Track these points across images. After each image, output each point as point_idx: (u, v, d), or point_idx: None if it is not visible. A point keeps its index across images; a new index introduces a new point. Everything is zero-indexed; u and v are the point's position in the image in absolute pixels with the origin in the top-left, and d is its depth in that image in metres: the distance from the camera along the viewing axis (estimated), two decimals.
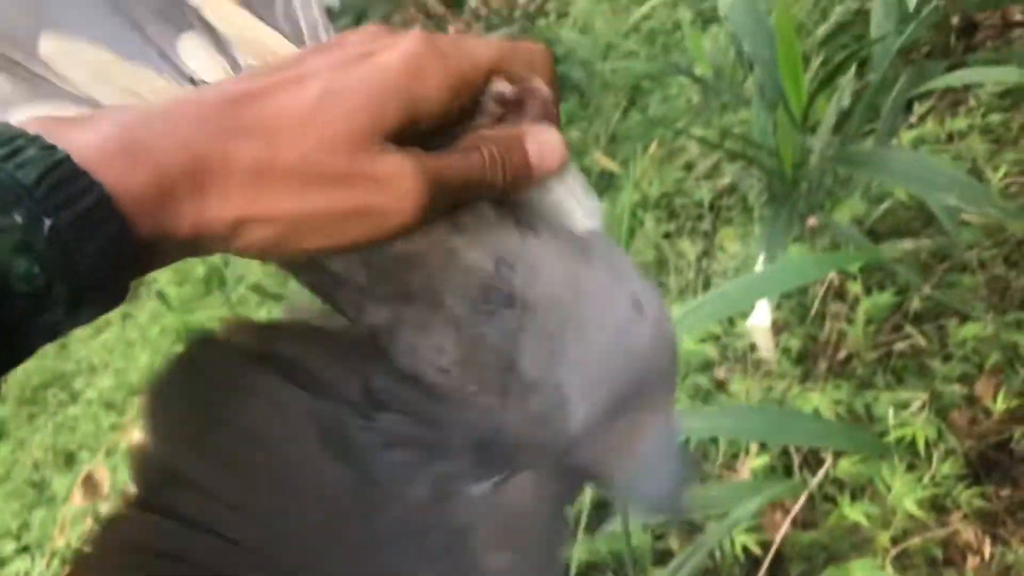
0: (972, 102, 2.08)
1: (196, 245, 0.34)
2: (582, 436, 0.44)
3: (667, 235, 2.15)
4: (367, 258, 0.42)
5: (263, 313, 2.48)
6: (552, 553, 0.45)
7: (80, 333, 3.45)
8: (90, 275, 0.30)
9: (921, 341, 1.58)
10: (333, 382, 0.43)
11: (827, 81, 1.51)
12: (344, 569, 0.42)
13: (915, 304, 1.64)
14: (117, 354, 3.18)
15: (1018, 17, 2.45)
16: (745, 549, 1.34)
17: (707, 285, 1.90)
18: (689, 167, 2.29)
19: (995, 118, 1.98)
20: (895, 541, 1.32)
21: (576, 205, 0.43)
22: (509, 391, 0.43)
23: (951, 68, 2.22)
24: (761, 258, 1.44)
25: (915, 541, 1.32)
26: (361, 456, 0.42)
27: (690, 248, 1.99)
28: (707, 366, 1.72)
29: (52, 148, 0.30)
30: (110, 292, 0.32)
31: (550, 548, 0.45)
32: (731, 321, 1.73)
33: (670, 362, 0.48)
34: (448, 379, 0.43)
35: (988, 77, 1.77)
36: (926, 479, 1.33)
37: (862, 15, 2.11)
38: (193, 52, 0.44)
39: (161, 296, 2.06)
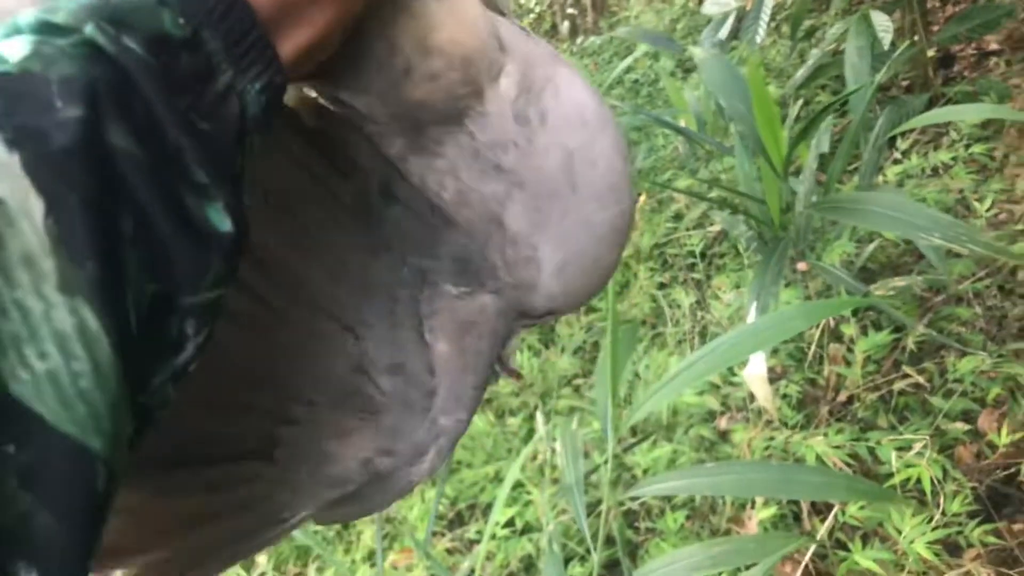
0: (954, 135, 2.10)
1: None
2: (544, 290, 0.50)
3: (661, 286, 2.16)
4: (385, 98, 0.46)
5: None
6: (482, 367, 0.51)
7: None
8: (234, 33, 0.34)
9: (920, 379, 1.57)
10: (361, 167, 0.49)
11: (807, 128, 1.52)
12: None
13: (912, 341, 1.63)
14: None
15: (993, 47, 2.48)
16: None
17: (703, 334, 1.90)
18: (679, 217, 2.31)
19: (978, 149, 2.00)
20: None
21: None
22: (492, 236, 0.49)
23: (932, 101, 2.25)
24: (753, 307, 1.44)
25: None
26: (367, 223, 0.49)
27: (685, 298, 2.00)
28: (709, 417, 1.72)
29: None
30: (265, 66, 0.36)
31: (483, 364, 0.51)
32: (730, 369, 1.72)
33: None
34: (445, 206, 0.48)
35: (963, 115, 1.79)
36: (936, 519, 1.32)
37: (839, 56, 2.14)
38: None
39: None
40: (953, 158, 1.98)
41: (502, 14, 0.51)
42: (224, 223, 0.33)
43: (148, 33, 0.32)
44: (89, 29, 0.30)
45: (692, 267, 2.15)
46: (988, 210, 1.87)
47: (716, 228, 2.20)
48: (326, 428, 0.49)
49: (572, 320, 2.22)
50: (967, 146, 2.02)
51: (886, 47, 2.04)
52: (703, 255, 2.16)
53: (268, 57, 0.36)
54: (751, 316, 1.44)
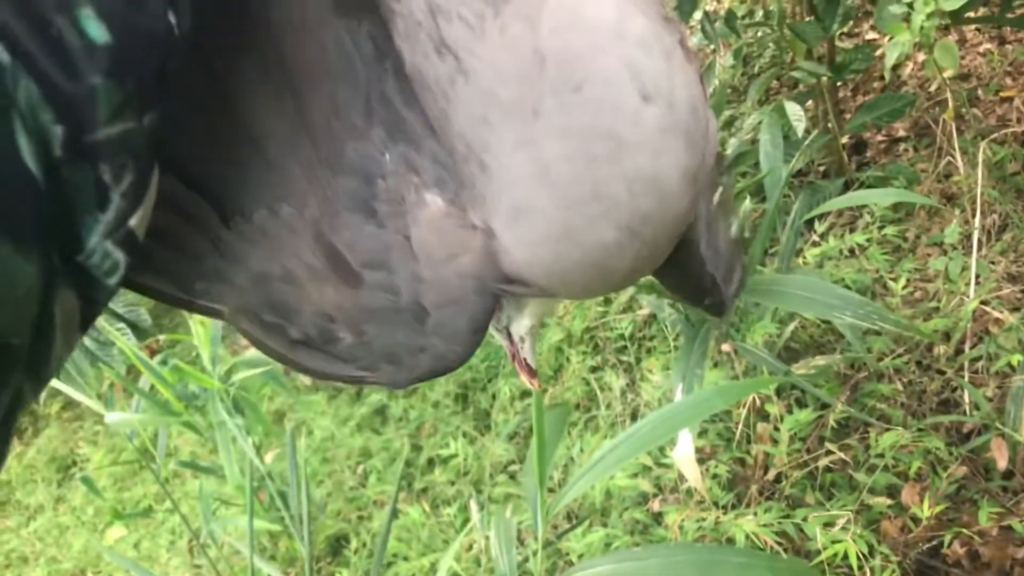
0: (868, 217, 2.19)
1: None
2: (501, 241, 0.38)
3: (593, 369, 2.18)
4: None
5: (195, 486, 2.42)
6: (475, 307, 0.41)
7: (10, 522, 3.32)
8: None
9: (844, 455, 1.61)
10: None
11: None
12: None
13: (835, 418, 1.67)
14: (49, 542, 3.05)
15: (901, 133, 2.60)
16: None
17: (635, 416, 1.92)
18: (608, 300, 2.35)
19: (891, 231, 2.08)
20: None
21: None
22: (448, 137, 0.38)
23: (847, 185, 2.35)
24: (679, 389, 1.47)
25: None
26: (361, 94, 0.40)
27: (616, 381, 2.02)
28: (643, 500, 1.72)
29: None
30: None
31: (477, 304, 0.41)
32: (661, 451, 1.74)
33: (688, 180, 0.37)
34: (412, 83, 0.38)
35: (874, 199, 1.87)
36: None
37: (756, 145, 2.23)
38: None
39: (88, 483, 2.01)
40: (868, 239, 2.06)
41: None
42: (98, 32, 0.28)
43: None
44: None
45: (623, 350, 2.18)
46: (903, 288, 1.94)
47: (645, 312, 2.24)
48: (297, 243, 0.41)
49: (507, 405, 2.23)
50: (881, 228, 2.11)
51: (800, 135, 2.14)
52: (633, 338, 2.19)
53: None
54: (677, 397, 1.46)
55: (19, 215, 0.26)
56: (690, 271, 0.48)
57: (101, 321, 2.43)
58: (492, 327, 0.48)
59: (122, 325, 2.52)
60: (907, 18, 1.66)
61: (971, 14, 1.99)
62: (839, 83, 2.47)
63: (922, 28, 1.42)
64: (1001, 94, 2.44)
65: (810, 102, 2.46)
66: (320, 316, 0.41)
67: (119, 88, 0.29)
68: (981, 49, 2.68)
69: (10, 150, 0.26)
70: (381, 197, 0.40)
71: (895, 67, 2.49)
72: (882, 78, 2.76)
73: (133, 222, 0.31)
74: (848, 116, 2.58)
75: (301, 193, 0.41)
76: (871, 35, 2.94)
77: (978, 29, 2.67)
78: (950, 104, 1.85)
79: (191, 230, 0.42)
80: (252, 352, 2.06)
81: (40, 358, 0.29)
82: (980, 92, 2.47)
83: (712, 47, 2.47)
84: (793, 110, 2.16)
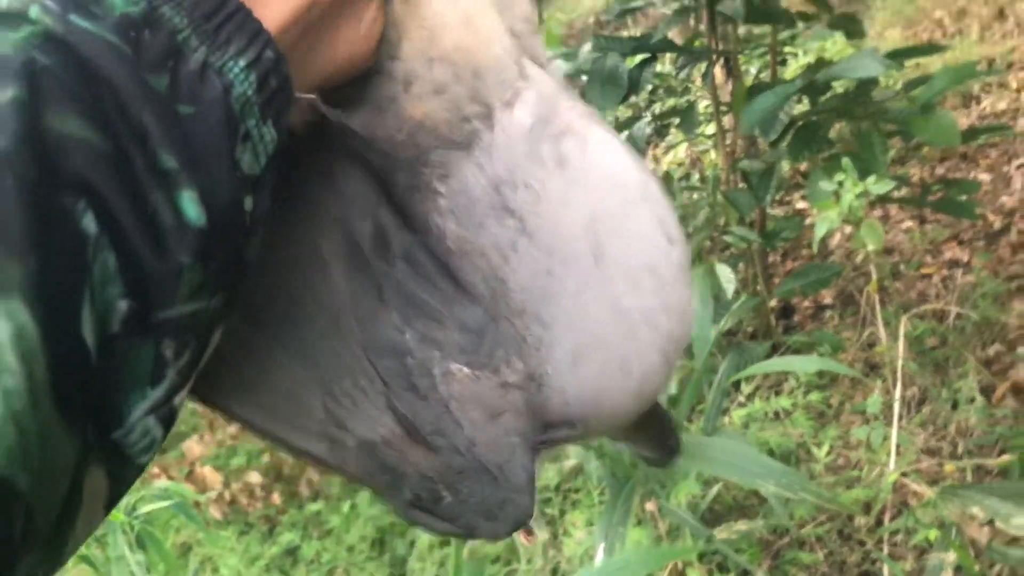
0: (793, 382, 2.22)
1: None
2: (556, 385, 0.42)
3: None
4: (383, 113, 0.41)
5: None
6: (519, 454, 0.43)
7: None
8: (203, 6, 0.31)
9: None
10: (363, 198, 0.42)
11: None
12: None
13: None
14: None
15: (828, 300, 2.69)
16: None
17: (555, 573, 1.87)
18: None
19: (815, 396, 2.12)
20: None
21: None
22: (499, 302, 0.41)
23: (774, 348, 2.39)
24: (601, 548, 1.43)
25: None
26: (373, 283, 0.42)
27: (538, 534, 1.98)
28: None
29: None
30: (248, 40, 0.32)
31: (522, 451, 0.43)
32: None
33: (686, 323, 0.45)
34: (447, 258, 0.41)
35: (799, 367, 1.91)
36: None
37: None
38: None
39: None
40: (793, 404, 2.09)
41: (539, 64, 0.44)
42: (196, 214, 0.29)
43: (103, 11, 0.29)
44: (34, 11, 0.28)
45: (547, 502, 2.14)
46: (827, 455, 1.96)
47: (572, 462, 2.21)
48: (380, 412, 0.43)
49: (425, 553, 2.16)
50: (806, 393, 2.14)
51: (730, 297, 2.19)
52: (558, 488, 2.16)
53: (250, 30, 0.33)
54: (599, 557, 1.43)
55: (68, 387, 0.25)
56: (657, 413, 0.55)
57: None
58: None
59: None
60: (837, 194, 1.73)
61: (895, 194, 2.10)
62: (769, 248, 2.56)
63: (850, 207, 1.49)
64: (922, 270, 2.54)
65: (741, 265, 2.53)
66: (423, 477, 0.43)
67: (203, 270, 0.30)
68: (903, 226, 2.81)
69: (73, 323, 0.26)
70: (415, 373, 0.42)
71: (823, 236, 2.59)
72: (810, 246, 2.87)
73: (178, 399, 0.31)
74: (777, 280, 2.66)
75: (366, 370, 0.43)
76: (801, 204, 3.08)
77: (901, 207, 2.81)
78: (874, 277, 1.92)
79: None
80: (162, 481, 1.96)
81: (60, 542, 0.27)
82: (902, 267, 2.57)
83: None
84: (724, 272, 2.22)
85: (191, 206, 0.29)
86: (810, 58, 3.85)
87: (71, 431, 0.26)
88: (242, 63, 0.32)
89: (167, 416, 0.31)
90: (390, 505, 0.46)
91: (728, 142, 2.49)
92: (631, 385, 0.43)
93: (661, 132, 3.05)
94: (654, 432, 0.59)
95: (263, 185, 0.33)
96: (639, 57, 2.24)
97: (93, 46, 0.28)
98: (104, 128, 0.27)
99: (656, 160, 3.37)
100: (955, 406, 1.97)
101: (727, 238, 2.35)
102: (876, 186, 1.49)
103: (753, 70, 3.29)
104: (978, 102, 3.32)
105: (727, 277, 2.24)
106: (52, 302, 0.25)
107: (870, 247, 1.52)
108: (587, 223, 0.41)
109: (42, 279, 0.24)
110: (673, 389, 1.83)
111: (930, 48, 2.17)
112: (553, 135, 0.41)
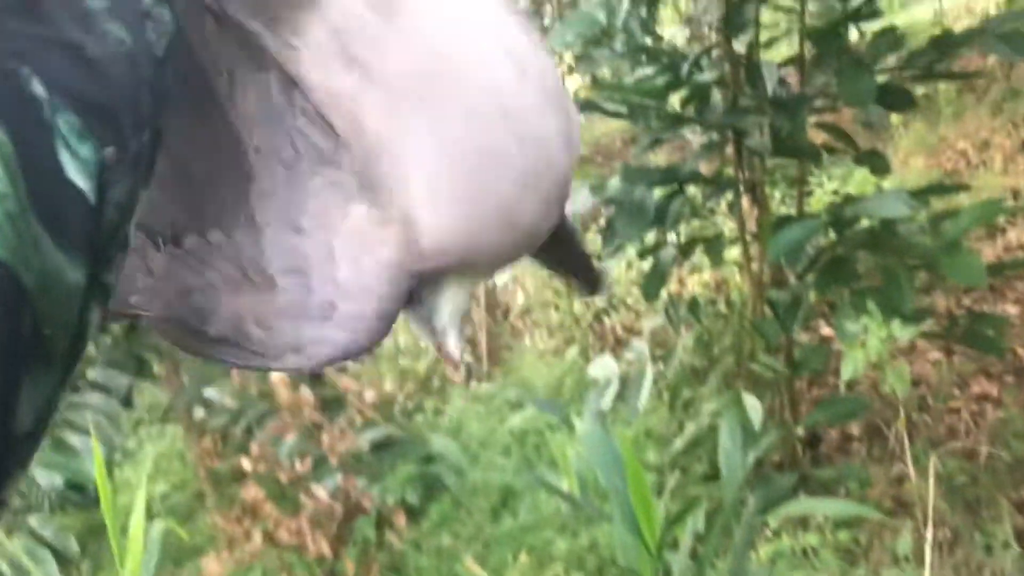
0: (821, 517, 2.18)
1: None
2: (422, 223, 0.43)
3: None
4: None
5: None
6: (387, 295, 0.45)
7: None
8: None
9: None
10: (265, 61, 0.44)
11: (682, 513, 1.58)
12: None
13: None
14: None
15: (855, 432, 2.66)
16: None
17: None
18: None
19: (843, 536, 2.07)
20: None
21: None
22: (364, 146, 0.43)
23: (801, 479, 2.36)
24: None
25: None
26: (278, 126, 0.45)
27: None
28: None
29: None
30: None
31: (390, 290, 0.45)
32: None
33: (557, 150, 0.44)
34: (324, 111, 0.43)
35: (824, 509, 1.88)
36: None
37: (714, 430, 2.25)
38: None
39: None
40: (821, 542, 2.05)
41: None
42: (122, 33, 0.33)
43: None
44: None
45: None
46: None
47: None
48: (222, 261, 0.46)
49: None
50: (834, 529, 2.10)
51: (757, 428, 2.17)
52: None
53: None
54: None
55: (65, 220, 0.29)
56: (573, 251, 0.57)
57: (19, 549, 2.31)
58: (415, 324, 0.51)
59: (44, 551, 2.39)
60: (864, 332, 1.74)
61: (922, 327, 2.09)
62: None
63: (876, 350, 1.49)
64: (949, 404, 2.52)
65: (767, 393, 2.52)
66: (234, 317, 0.46)
67: (147, 96, 0.34)
68: (931, 356, 2.79)
69: (51, 159, 0.29)
70: (309, 213, 0.45)
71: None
72: (837, 373, 2.85)
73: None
74: (804, 407, 2.64)
75: (231, 219, 0.46)
76: (827, 330, 3.07)
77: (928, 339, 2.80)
78: (901, 415, 1.91)
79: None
80: None
81: (73, 369, 0.30)
82: (930, 399, 2.55)
83: (674, 331, 2.56)
84: (751, 403, 2.21)
85: (119, 29, 0.32)
86: (835, 185, 3.91)
87: (71, 260, 0.29)
88: None
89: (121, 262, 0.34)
90: (184, 347, 0.49)
91: (755, 269, 2.51)
92: (489, 214, 0.44)
93: (687, 252, 3.08)
94: (570, 265, 0.59)
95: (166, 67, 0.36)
96: (667, 188, 2.29)
97: None
98: None
99: (681, 282, 3.39)
100: (989, 551, 1.92)
101: (754, 366, 2.35)
102: (902, 331, 1.50)
103: (778, 194, 3.34)
104: (1003, 233, 3.34)
105: (754, 407, 2.23)
106: (24, 137, 0.28)
107: (897, 390, 1.51)
108: (425, 61, 0.42)
109: (10, 129, 0.27)
110: (700, 525, 1.80)
111: (954, 187, 2.20)
112: None
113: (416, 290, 0.46)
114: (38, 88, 0.29)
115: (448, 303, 0.49)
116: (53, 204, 0.28)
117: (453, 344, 0.50)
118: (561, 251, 0.55)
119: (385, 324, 0.45)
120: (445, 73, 0.43)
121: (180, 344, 0.51)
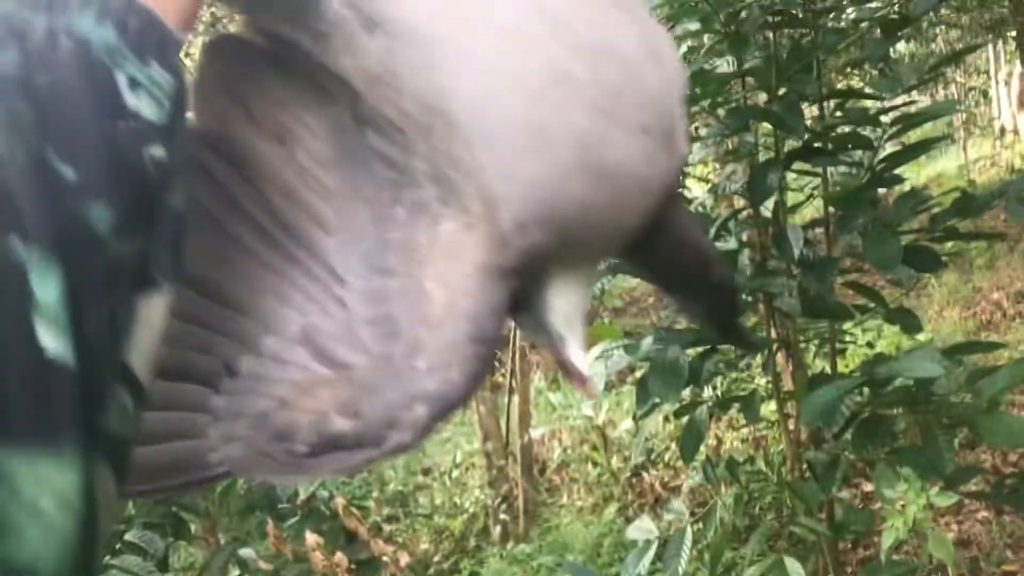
0: None
1: None
2: (494, 187, 0.37)
3: None
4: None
5: None
6: (480, 314, 0.39)
7: None
8: None
9: None
10: (331, 91, 0.42)
11: None
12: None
13: None
14: None
15: None
16: None
17: None
18: None
19: None
20: None
21: None
22: (416, 128, 0.38)
23: None
24: None
25: None
26: (357, 161, 0.41)
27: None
28: None
29: None
30: None
31: (480, 310, 0.39)
32: None
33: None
34: (372, 104, 0.40)
35: None
36: None
37: None
38: None
39: None
40: None
41: None
42: (70, 174, 0.31)
43: None
44: None
45: None
46: None
47: None
48: (287, 368, 0.42)
49: None
50: None
51: None
52: None
53: None
54: None
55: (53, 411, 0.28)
56: (710, 282, 0.46)
57: None
58: (530, 334, 0.45)
59: None
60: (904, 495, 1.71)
61: (966, 487, 2.05)
62: None
63: (915, 519, 1.47)
64: (1003, 567, 2.43)
65: (811, 556, 2.45)
66: (318, 420, 0.41)
67: (115, 222, 0.32)
68: (979, 516, 2.71)
69: (26, 325, 0.28)
70: (395, 249, 0.41)
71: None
72: (881, 533, 2.78)
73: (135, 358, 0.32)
74: (849, 569, 2.56)
75: (287, 310, 0.43)
76: (868, 487, 3.01)
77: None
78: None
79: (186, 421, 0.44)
80: None
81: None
82: (982, 563, 2.46)
83: (713, 490, 2.52)
84: (794, 567, 2.15)
85: (65, 168, 0.30)
86: (870, 336, 3.90)
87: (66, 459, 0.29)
88: (89, 16, 0.32)
89: (134, 382, 0.33)
90: (282, 471, 0.44)
91: (791, 428, 2.50)
92: (575, 163, 0.36)
93: (724, 408, 3.06)
94: (705, 295, 0.48)
95: (175, 131, 0.34)
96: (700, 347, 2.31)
97: None
98: None
99: (718, 439, 3.36)
100: None
101: (795, 528, 2.30)
102: (941, 498, 1.48)
103: (812, 347, 3.35)
104: None
105: (797, 572, 2.17)
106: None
107: (943, 557, 1.48)
108: (449, 3, 0.37)
109: None
110: None
111: (990, 345, 2.20)
112: None
113: (521, 293, 0.42)
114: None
115: (559, 301, 0.42)
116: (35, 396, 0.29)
117: (574, 352, 0.43)
118: (682, 258, 0.46)
119: (482, 347, 0.40)
120: (467, 4, 0.37)
121: (277, 475, 0.48)
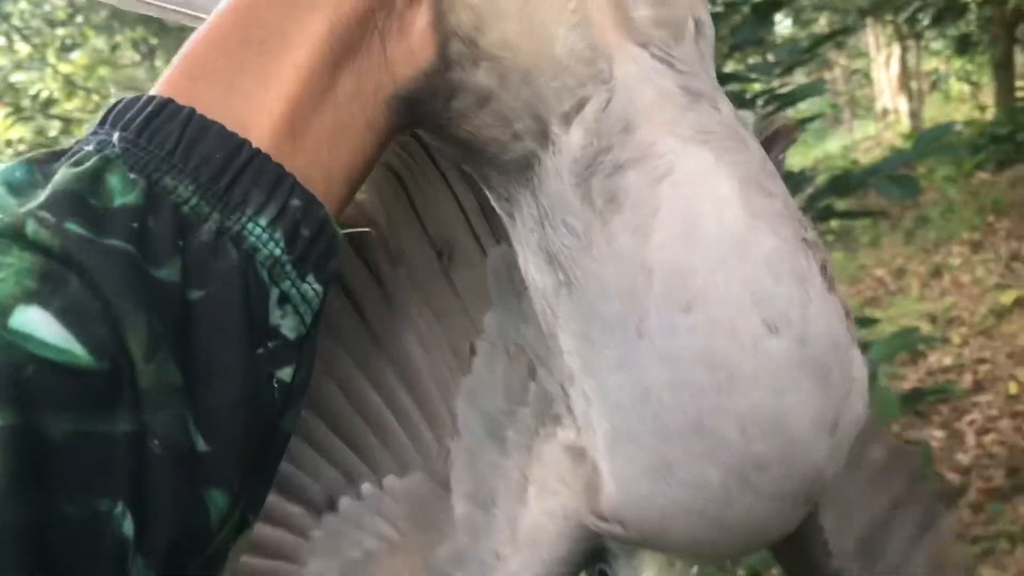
0: None
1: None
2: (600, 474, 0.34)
3: None
4: (441, 133, 0.35)
5: None
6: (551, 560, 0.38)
7: None
8: (211, 165, 0.28)
9: None
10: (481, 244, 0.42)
11: None
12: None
13: None
14: None
15: None
16: None
17: None
18: None
19: None
20: None
21: None
22: (554, 356, 0.36)
23: None
24: None
25: None
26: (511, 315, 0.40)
27: None
28: None
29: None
30: (268, 191, 0.28)
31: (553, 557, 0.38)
32: None
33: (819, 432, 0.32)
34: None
35: None
36: None
37: None
38: None
39: None
40: None
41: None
42: (201, 442, 0.27)
43: (102, 203, 0.26)
44: (30, 226, 0.25)
45: None
46: None
47: None
48: (377, 521, 0.42)
49: None
50: None
51: None
52: None
53: (270, 179, 0.28)
54: None
55: None
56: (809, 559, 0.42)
57: None
58: None
59: None
60: None
61: None
62: None
63: None
64: None
65: None
66: None
67: (227, 492, 0.28)
68: None
69: None
70: (518, 422, 0.39)
71: None
72: None
73: None
74: None
75: (389, 461, 0.42)
76: None
77: None
78: None
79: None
80: None
81: None
82: None
83: None
84: None
85: (199, 439, 0.26)
86: None
87: None
88: (263, 221, 0.28)
89: None
90: None
91: None
92: (682, 500, 0.32)
93: None
94: None
95: (308, 346, 0.30)
96: None
97: (93, 259, 0.25)
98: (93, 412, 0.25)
99: None
100: None
101: None
102: None
103: None
104: (924, 358, 3.42)
105: None
106: None
107: None
108: (635, 283, 0.31)
109: None
110: None
111: (866, 320, 2.26)
112: (612, 163, 0.31)
113: (610, 548, 0.38)
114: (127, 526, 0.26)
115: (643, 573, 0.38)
116: None
117: None
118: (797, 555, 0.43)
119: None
120: (656, 301, 0.31)
121: None
